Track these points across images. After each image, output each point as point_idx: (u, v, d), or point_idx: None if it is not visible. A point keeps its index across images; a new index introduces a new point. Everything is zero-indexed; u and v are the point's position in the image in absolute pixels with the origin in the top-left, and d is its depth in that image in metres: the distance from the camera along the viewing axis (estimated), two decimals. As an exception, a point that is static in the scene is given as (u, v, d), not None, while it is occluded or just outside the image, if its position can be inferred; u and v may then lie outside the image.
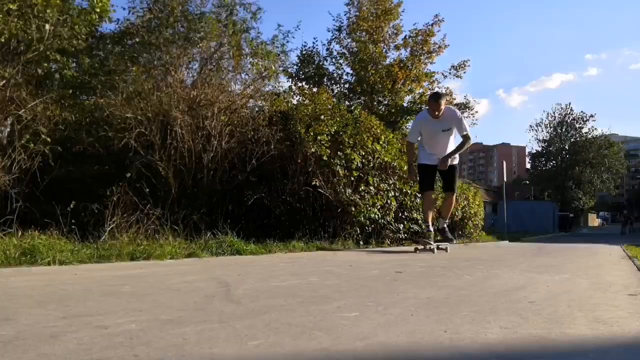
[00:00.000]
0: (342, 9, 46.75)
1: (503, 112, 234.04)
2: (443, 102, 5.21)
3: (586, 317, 1.84)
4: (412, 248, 5.75)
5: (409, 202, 7.22)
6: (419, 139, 5.49)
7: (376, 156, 6.73)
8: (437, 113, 5.13)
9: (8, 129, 4.74)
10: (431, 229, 5.45)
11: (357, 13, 16.78)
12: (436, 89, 17.36)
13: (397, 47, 16.98)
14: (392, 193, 6.83)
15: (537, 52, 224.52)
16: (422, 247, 5.39)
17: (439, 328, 1.58)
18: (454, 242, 5.74)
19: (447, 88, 18.32)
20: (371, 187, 6.48)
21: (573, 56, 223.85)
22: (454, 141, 5.43)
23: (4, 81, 4.78)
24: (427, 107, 5.47)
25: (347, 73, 17.26)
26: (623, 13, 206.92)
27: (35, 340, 1.33)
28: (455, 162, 5.49)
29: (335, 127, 6.38)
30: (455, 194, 5.69)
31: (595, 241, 13.27)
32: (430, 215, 5.53)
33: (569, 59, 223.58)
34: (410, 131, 5.91)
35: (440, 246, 5.45)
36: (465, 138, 5.26)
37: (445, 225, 5.66)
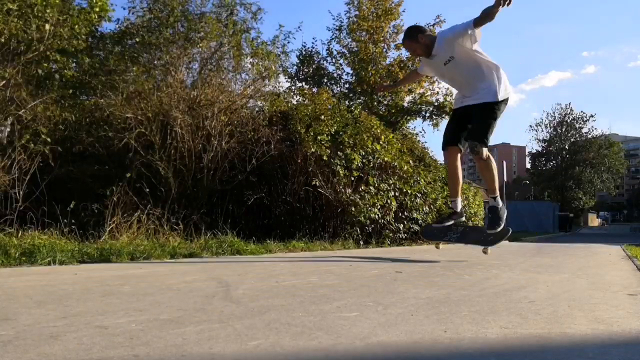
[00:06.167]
0: (342, 9, 46.82)
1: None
2: (410, 41, 3.98)
3: (586, 316, 1.84)
4: (412, 248, 5.75)
5: (409, 202, 7.22)
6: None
7: (376, 156, 6.73)
8: (418, 53, 4.03)
9: (8, 129, 4.74)
10: (459, 208, 4.12)
11: (357, 13, 16.78)
12: (436, 89, 17.34)
13: (397, 47, 16.96)
14: (392, 193, 6.84)
15: (533, 50, 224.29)
16: (437, 240, 4.23)
17: (439, 328, 1.59)
18: (497, 230, 4.00)
19: (448, 88, 18.30)
20: (371, 187, 6.48)
21: (570, 53, 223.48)
22: (480, 64, 3.78)
23: (4, 81, 4.78)
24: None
25: (347, 73, 17.27)
26: (620, 9, 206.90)
27: (35, 340, 1.33)
28: (488, 97, 3.77)
29: (335, 127, 6.38)
30: (482, 150, 3.79)
31: (596, 241, 13.27)
32: (458, 188, 4.08)
33: (566, 56, 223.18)
34: None
35: (485, 250, 4.15)
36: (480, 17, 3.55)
37: (495, 205, 3.99)
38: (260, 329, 1.51)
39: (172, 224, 4.83)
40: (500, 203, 4.01)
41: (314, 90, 10.39)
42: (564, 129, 51.49)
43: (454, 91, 4.30)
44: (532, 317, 1.80)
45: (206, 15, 7.68)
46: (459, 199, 4.15)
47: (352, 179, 6.27)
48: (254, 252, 4.57)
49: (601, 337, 1.53)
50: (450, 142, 4.03)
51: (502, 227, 4.02)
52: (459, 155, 4.07)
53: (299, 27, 9.28)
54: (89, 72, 6.68)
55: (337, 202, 6.06)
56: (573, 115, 51.26)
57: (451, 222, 4.22)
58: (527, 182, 55.69)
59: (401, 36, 16.81)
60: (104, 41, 7.35)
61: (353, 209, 6.12)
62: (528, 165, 64.49)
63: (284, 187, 5.99)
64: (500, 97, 3.81)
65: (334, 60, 17.27)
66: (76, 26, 6.07)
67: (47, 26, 5.34)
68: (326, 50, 17.27)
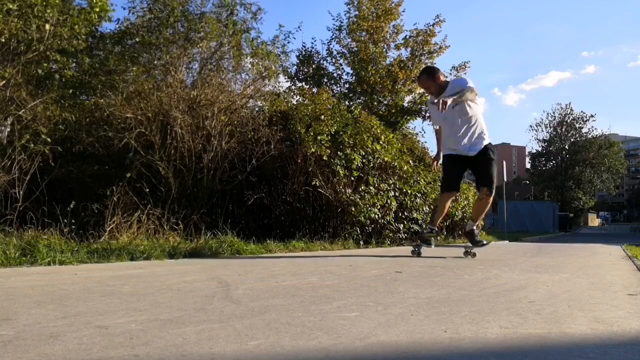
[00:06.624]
0: (342, 9, 46.84)
1: (499, 110, 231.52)
2: (427, 78, 4.54)
3: (586, 316, 1.84)
4: (412, 248, 5.73)
5: (409, 202, 7.22)
6: (436, 127, 4.95)
7: (376, 156, 6.73)
8: (431, 91, 4.59)
9: (8, 129, 4.74)
10: (435, 231, 4.85)
11: (357, 13, 16.77)
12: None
13: (397, 47, 16.96)
14: (392, 193, 6.83)
15: (533, 50, 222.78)
16: (415, 249, 4.73)
17: (439, 328, 1.59)
18: (484, 244, 4.77)
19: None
20: (371, 187, 6.48)
21: (570, 53, 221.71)
22: (480, 118, 4.61)
23: (4, 81, 4.78)
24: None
25: (347, 73, 17.25)
26: (620, 9, 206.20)
27: (35, 340, 1.33)
28: (486, 140, 4.67)
29: (335, 127, 6.38)
30: (491, 194, 4.59)
31: (596, 241, 13.27)
32: (438, 219, 4.82)
33: (566, 56, 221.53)
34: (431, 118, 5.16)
35: (468, 250, 4.71)
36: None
37: (473, 228, 4.72)
38: (260, 329, 1.51)
39: (172, 224, 4.83)
40: (475, 228, 4.77)
41: (314, 90, 10.38)
42: (563, 129, 51.42)
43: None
44: (532, 317, 1.80)
45: (206, 15, 7.68)
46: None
47: (352, 179, 6.27)
48: (253, 252, 4.57)
49: (601, 337, 1.53)
50: (454, 188, 4.75)
51: (484, 243, 4.80)
52: (450, 199, 4.87)
53: (298, 27, 9.31)
54: (89, 72, 6.68)
55: (337, 202, 6.05)
56: (573, 115, 51.18)
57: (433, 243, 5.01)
58: (527, 182, 55.67)
59: (401, 36, 17.00)
60: (104, 41, 7.35)
61: (353, 209, 6.12)
62: (528, 165, 64.40)
63: (284, 187, 5.99)
64: (490, 139, 4.72)
65: (333, 60, 17.26)
66: (76, 26, 6.07)
67: (47, 26, 5.35)
68: (326, 50, 17.27)
